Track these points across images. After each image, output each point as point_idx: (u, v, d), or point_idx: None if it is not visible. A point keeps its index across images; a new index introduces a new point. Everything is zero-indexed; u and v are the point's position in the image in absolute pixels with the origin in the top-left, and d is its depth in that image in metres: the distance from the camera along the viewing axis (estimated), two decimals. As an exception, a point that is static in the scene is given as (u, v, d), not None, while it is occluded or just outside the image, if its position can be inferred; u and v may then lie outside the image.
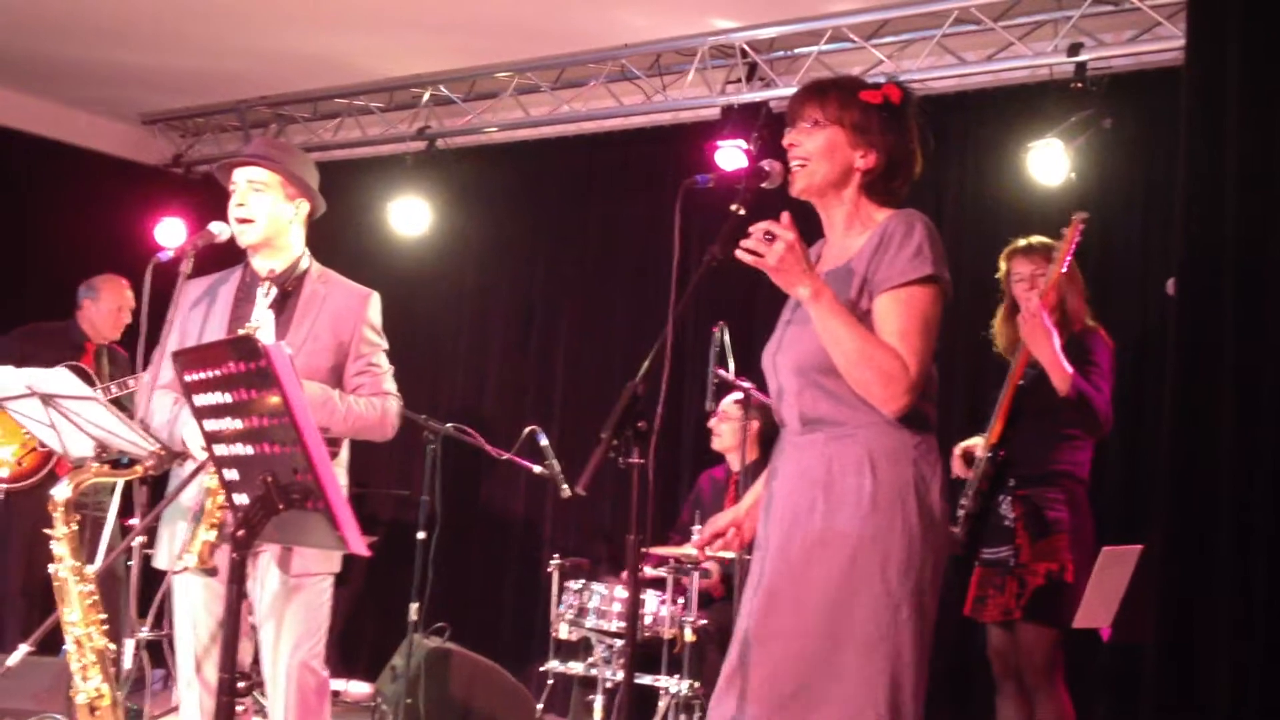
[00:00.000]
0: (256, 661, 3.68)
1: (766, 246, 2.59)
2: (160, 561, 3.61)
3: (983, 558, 4.42)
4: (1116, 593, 3.87)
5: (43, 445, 4.99)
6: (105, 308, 6.21)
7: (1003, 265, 4.58)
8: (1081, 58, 5.45)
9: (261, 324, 3.57)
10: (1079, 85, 5.45)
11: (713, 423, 5.90)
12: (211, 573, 3.39)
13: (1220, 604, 3.59)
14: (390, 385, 3.75)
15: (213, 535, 3.34)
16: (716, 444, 5.95)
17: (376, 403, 3.67)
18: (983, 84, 6.00)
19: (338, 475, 3.58)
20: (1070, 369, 4.19)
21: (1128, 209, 5.61)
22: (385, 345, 3.79)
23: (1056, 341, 4.22)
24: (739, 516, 3.03)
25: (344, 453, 3.71)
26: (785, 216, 2.61)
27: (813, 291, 2.62)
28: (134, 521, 5.67)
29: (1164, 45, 5.32)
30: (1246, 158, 3.61)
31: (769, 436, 5.76)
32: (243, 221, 3.65)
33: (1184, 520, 3.73)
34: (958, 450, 4.57)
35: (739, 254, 2.60)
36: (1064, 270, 4.33)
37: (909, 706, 2.62)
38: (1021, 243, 4.55)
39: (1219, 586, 3.60)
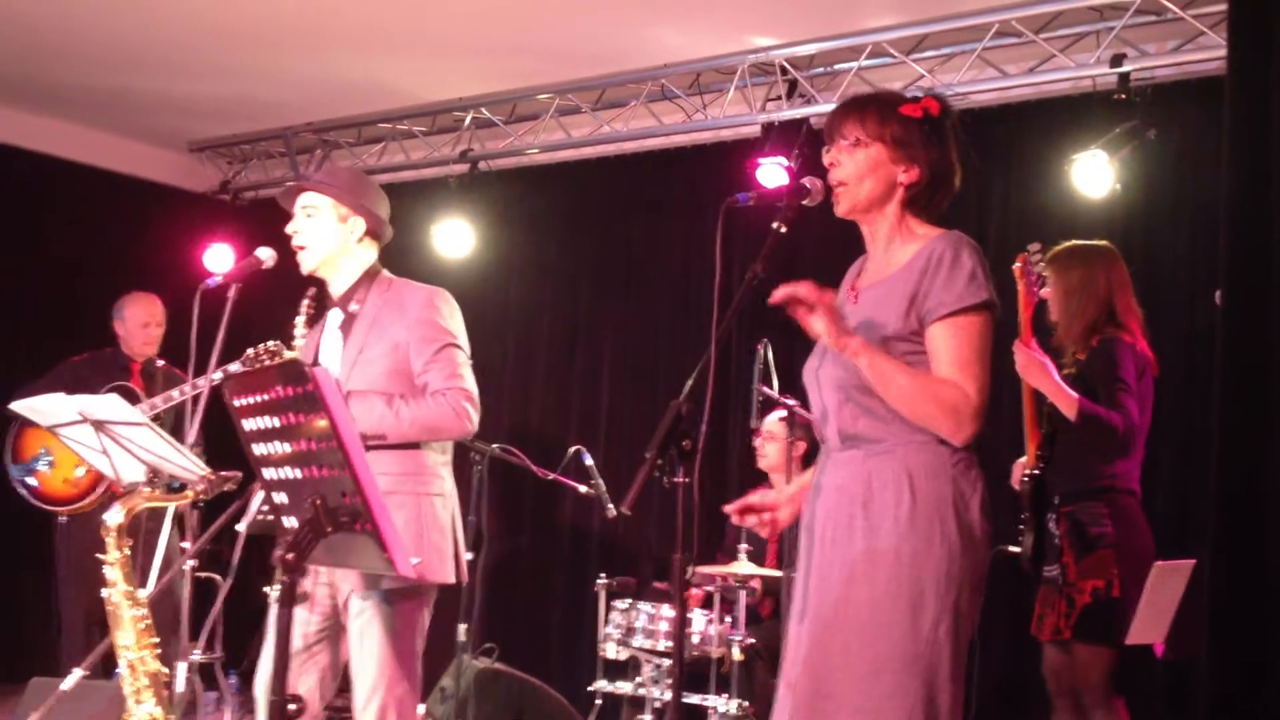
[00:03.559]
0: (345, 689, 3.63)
1: (808, 319, 2.61)
2: None
3: (1044, 576, 4.39)
4: (1170, 608, 3.83)
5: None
6: (131, 326, 6.28)
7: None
8: (1124, 69, 5.41)
9: (323, 348, 3.59)
10: (1122, 96, 5.41)
11: (758, 442, 5.88)
12: (302, 598, 3.41)
13: (1274, 617, 3.54)
14: (461, 381, 3.58)
15: None
16: (762, 463, 5.93)
17: (437, 401, 3.51)
18: (1025, 96, 5.96)
19: (439, 483, 3.57)
20: (1075, 395, 4.16)
21: (1174, 219, 5.56)
22: (454, 340, 3.63)
23: (1054, 372, 4.21)
24: (777, 502, 3.01)
25: (438, 457, 3.63)
26: (807, 287, 2.64)
27: (857, 346, 2.63)
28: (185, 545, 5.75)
29: (1207, 55, 5.27)
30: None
31: (814, 457, 5.76)
32: (299, 249, 3.68)
33: (1236, 532, 3.68)
34: (1017, 468, 4.52)
35: (791, 307, 2.64)
36: (1035, 304, 4.33)
37: None
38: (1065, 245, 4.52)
39: (1273, 599, 3.56)
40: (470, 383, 3.62)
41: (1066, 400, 4.17)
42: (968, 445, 2.71)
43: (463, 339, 3.68)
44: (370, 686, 3.44)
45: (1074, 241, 4.51)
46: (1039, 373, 4.23)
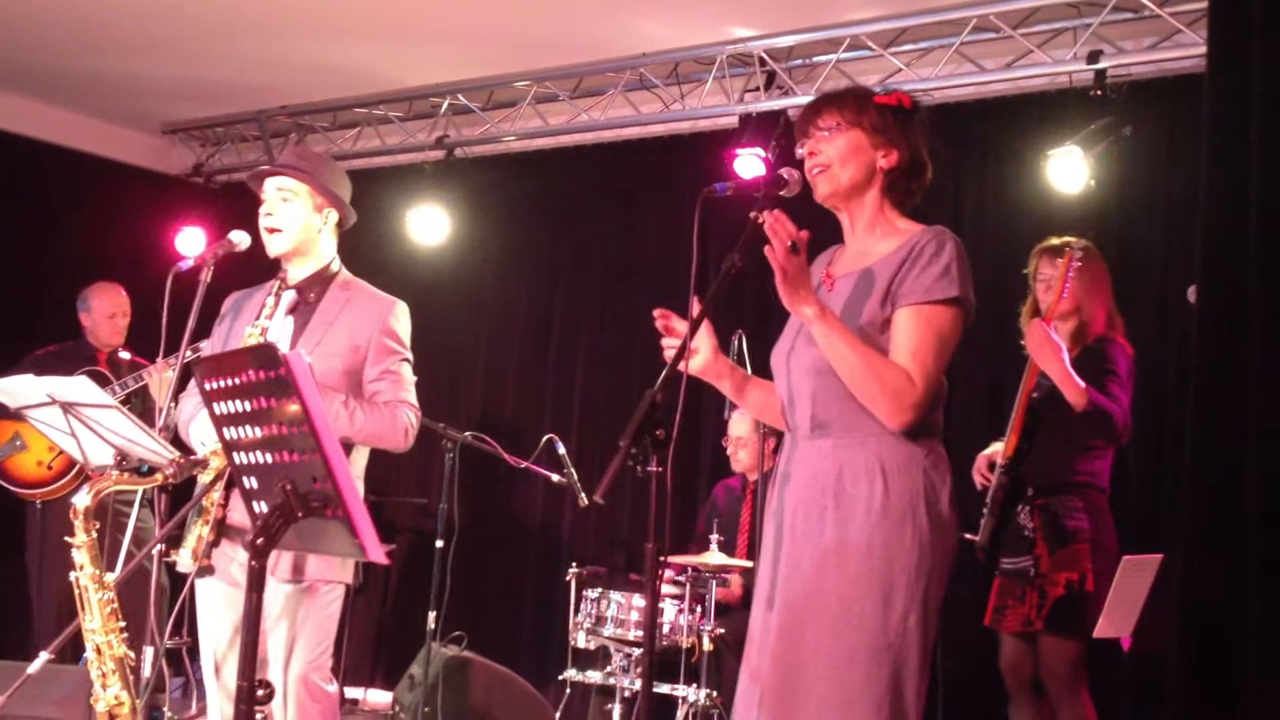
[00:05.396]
0: None
1: (787, 256, 2.59)
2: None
3: (1002, 568, 4.40)
4: (1137, 602, 3.85)
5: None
6: (98, 317, 6.24)
7: (1032, 262, 4.57)
8: (1101, 65, 5.43)
9: (270, 329, 3.58)
10: (1099, 92, 5.43)
11: (729, 449, 5.91)
12: (207, 571, 3.40)
13: (1245, 614, 3.56)
14: (409, 395, 3.69)
15: (206, 532, 3.37)
16: (735, 466, 5.96)
17: (388, 411, 3.61)
18: (1002, 91, 5.98)
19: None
20: (1083, 383, 4.16)
21: (1148, 216, 5.59)
22: (407, 355, 3.74)
23: (1065, 356, 4.20)
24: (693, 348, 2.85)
25: (361, 461, 3.70)
26: (805, 235, 2.63)
27: (818, 310, 2.64)
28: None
29: (1184, 52, 5.30)
30: (1269, 163, 3.58)
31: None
32: (271, 231, 3.67)
33: (1206, 529, 3.70)
34: (981, 460, 4.54)
35: (769, 226, 2.58)
36: (1063, 297, 4.32)
37: (912, 711, 2.65)
38: (1054, 241, 4.53)
39: (1242, 596, 3.57)
40: (416, 399, 3.72)
41: (1074, 388, 4.14)
42: (928, 433, 2.73)
43: (410, 353, 3.78)
44: (297, 675, 3.49)
45: (1075, 240, 4.51)
46: (1052, 354, 4.18)
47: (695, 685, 5.17)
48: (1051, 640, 4.26)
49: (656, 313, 2.88)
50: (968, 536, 4.36)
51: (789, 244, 2.58)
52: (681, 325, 2.86)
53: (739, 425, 5.85)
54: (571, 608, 5.56)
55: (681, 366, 2.60)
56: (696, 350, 2.89)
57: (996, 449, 4.51)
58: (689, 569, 5.37)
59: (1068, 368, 4.17)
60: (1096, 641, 4.13)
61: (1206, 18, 4.11)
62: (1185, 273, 4.82)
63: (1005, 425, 4.42)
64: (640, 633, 5.23)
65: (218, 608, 3.56)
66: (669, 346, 2.86)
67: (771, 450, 5.67)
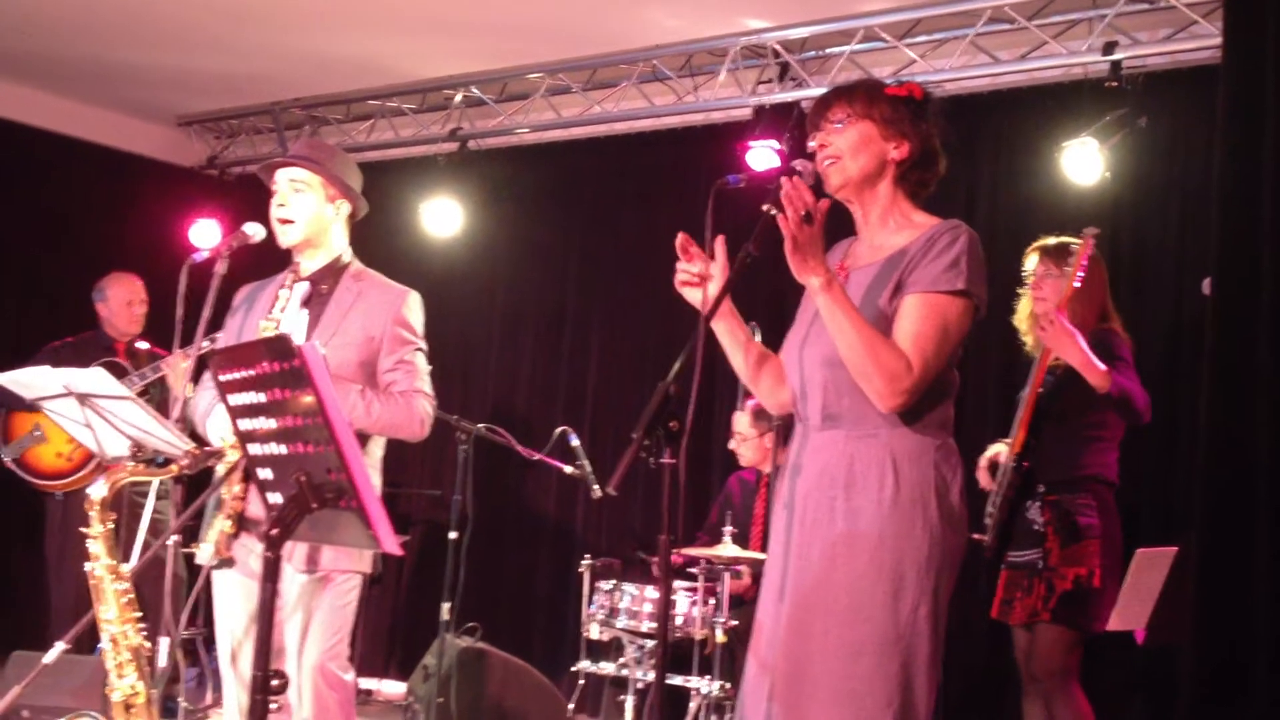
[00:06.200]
0: None
1: (799, 225, 2.58)
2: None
3: (1009, 560, 4.40)
4: (1151, 595, 3.85)
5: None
6: (114, 305, 6.24)
7: (1028, 260, 4.58)
8: (1116, 56, 5.41)
9: (283, 321, 3.59)
10: (1114, 84, 5.41)
11: (733, 444, 5.92)
12: (228, 564, 3.42)
13: (1258, 606, 3.56)
14: (423, 384, 3.69)
15: (228, 525, 3.38)
16: (742, 461, 5.96)
17: (404, 401, 3.61)
18: (1016, 83, 5.96)
19: (371, 474, 3.59)
20: (1105, 367, 4.16)
21: (1163, 207, 5.58)
22: (422, 345, 3.74)
23: (1084, 343, 4.20)
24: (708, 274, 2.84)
25: (377, 451, 3.71)
26: (824, 204, 2.63)
27: (825, 281, 2.63)
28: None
29: (1199, 43, 5.28)
30: (1284, 156, 3.58)
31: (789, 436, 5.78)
32: (283, 222, 3.67)
33: (1220, 521, 3.70)
34: (983, 461, 4.54)
35: (785, 193, 2.57)
36: (1077, 285, 4.32)
37: (922, 704, 2.64)
38: (1051, 241, 4.54)
39: (1256, 588, 3.57)
40: (431, 388, 3.73)
41: (1097, 373, 4.14)
42: (938, 426, 2.72)
43: (423, 342, 3.78)
44: (313, 664, 3.50)
45: (1069, 239, 4.52)
46: (1071, 343, 4.18)
47: (708, 677, 5.18)
48: (1051, 631, 4.28)
49: (680, 236, 2.85)
50: (975, 537, 4.37)
51: (803, 212, 2.58)
52: (699, 253, 2.84)
53: (740, 420, 5.87)
54: (585, 599, 5.57)
55: (702, 339, 2.58)
56: (710, 278, 2.84)
57: (998, 450, 4.51)
58: (702, 561, 5.38)
59: (1089, 354, 4.17)
60: (1105, 636, 4.14)
61: (1222, 9, 4.10)
62: (1200, 264, 4.81)
63: (1014, 422, 4.43)
64: (653, 624, 5.25)
65: (235, 598, 3.57)
66: (683, 270, 2.86)
67: (775, 444, 5.67)
